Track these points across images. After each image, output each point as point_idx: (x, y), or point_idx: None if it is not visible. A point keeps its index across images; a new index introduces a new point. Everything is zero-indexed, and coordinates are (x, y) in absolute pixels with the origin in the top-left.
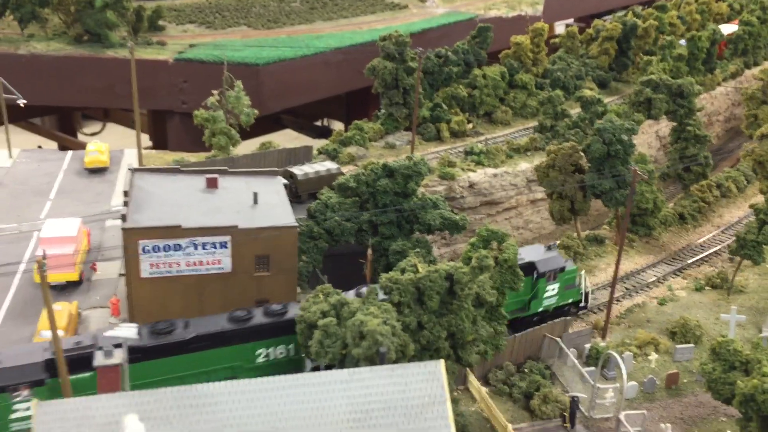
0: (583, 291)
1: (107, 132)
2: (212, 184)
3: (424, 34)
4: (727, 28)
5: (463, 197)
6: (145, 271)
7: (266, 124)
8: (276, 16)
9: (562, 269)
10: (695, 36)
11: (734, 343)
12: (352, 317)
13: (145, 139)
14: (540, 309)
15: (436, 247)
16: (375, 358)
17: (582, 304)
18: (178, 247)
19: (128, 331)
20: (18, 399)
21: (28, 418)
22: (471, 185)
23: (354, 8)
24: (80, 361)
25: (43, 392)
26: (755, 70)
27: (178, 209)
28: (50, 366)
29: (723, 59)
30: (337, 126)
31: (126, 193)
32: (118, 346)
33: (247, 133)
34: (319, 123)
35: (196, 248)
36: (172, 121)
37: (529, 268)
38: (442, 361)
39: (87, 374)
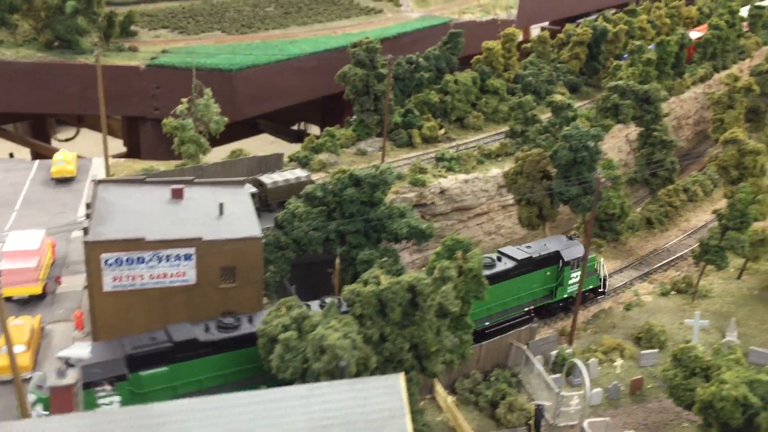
0: (601, 277)
1: (81, 138)
2: (177, 195)
3: (398, 39)
4: (695, 34)
5: (434, 204)
6: (108, 284)
7: (242, 128)
8: (250, 21)
9: None
10: (664, 40)
11: (695, 350)
12: (313, 331)
13: (120, 146)
14: (565, 295)
15: (408, 254)
16: (336, 373)
17: (601, 290)
18: (141, 260)
19: (81, 351)
20: (102, 394)
21: None
22: (442, 191)
23: (329, 13)
24: (157, 356)
25: (125, 387)
26: (723, 74)
27: (142, 221)
28: (131, 361)
29: (692, 63)
30: (315, 130)
31: (89, 206)
32: (189, 341)
33: (223, 139)
34: (296, 127)
35: (160, 261)
36: (144, 127)
37: (555, 257)
38: (401, 375)
39: (164, 368)
